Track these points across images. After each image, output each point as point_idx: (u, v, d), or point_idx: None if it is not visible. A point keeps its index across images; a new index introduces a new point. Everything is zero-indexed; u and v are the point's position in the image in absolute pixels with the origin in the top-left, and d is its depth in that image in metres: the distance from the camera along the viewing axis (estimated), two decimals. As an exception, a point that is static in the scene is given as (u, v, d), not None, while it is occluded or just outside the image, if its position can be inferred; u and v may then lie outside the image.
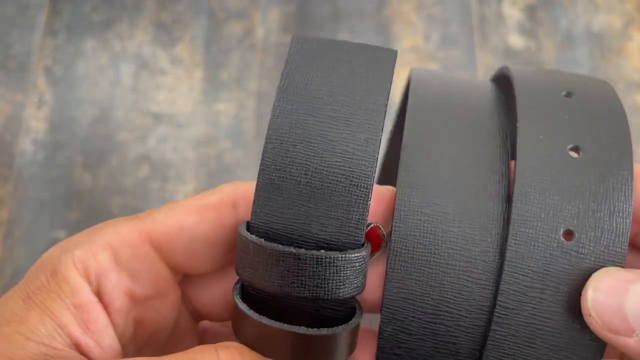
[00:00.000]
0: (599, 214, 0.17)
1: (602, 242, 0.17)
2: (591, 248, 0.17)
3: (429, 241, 0.18)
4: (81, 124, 0.50)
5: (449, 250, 0.18)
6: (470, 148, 0.19)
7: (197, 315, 0.24)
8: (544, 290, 0.17)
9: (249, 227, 0.18)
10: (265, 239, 0.18)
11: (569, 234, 0.17)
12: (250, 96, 0.52)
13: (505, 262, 0.17)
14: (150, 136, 0.50)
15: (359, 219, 0.17)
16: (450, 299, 0.18)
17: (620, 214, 0.17)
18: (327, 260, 0.17)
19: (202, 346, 0.18)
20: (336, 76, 0.19)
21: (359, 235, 0.17)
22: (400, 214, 0.18)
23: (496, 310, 0.17)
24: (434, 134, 0.19)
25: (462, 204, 0.18)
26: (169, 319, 0.22)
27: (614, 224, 0.17)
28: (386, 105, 0.18)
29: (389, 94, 0.18)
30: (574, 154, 0.18)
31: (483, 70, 0.54)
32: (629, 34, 0.56)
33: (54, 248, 0.20)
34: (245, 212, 0.20)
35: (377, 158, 0.18)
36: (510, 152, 0.19)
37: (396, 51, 0.20)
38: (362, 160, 0.17)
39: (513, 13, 0.56)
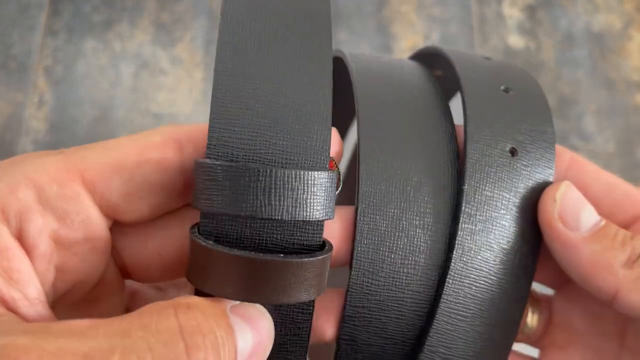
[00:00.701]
0: (535, 136, 0.21)
1: (537, 160, 0.21)
2: (530, 164, 0.21)
3: (394, 195, 0.20)
4: (81, 123, 0.50)
5: (410, 203, 0.20)
6: (422, 129, 0.21)
7: (124, 272, 0.21)
8: (496, 198, 0.20)
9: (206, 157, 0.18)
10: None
11: (513, 151, 0.21)
12: (251, 96, 0.52)
13: (465, 175, 0.20)
14: (150, 136, 0.50)
15: (323, 142, 0.17)
16: (416, 246, 0.20)
17: (548, 141, 0.21)
18: (304, 177, 0.17)
19: (156, 304, 0.16)
20: (277, 19, 0.18)
21: (325, 158, 0.18)
22: (365, 167, 0.20)
23: (460, 217, 0.20)
24: (388, 123, 0.21)
25: (417, 155, 0.20)
26: (95, 269, 0.19)
27: (544, 147, 0.21)
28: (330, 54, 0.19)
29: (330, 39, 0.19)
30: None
31: (483, 70, 0.54)
32: (628, 34, 0.56)
33: None
34: (190, 154, 0.19)
35: (331, 91, 0.18)
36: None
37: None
38: (317, 95, 0.18)
39: (513, 13, 0.56)
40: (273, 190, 0.17)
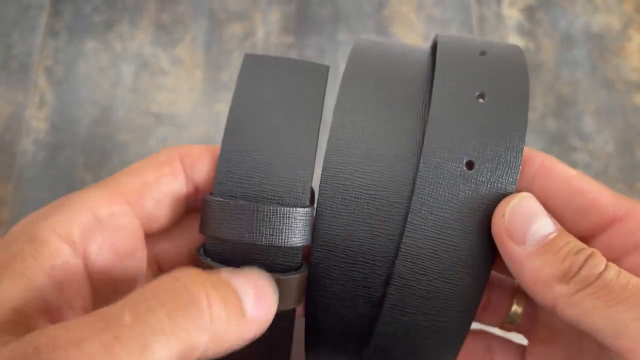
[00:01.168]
0: (496, 149, 0.20)
1: (497, 172, 0.20)
2: (488, 176, 0.20)
3: (349, 201, 0.21)
4: (82, 124, 0.50)
5: (367, 203, 0.21)
6: (393, 115, 0.22)
7: (158, 272, 0.26)
8: (447, 210, 0.20)
9: (212, 193, 0.22)
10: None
11: (470, 165, 0.20)
12: (251, 96, 0.52)
13: (415, 188, 0.20)
14: (151, 136, 0.50)
15: (304, 184, 0.21)
16: (365, 248, 0.21)
17: (514, 150, 0.20)
18: (282, 212, 0.21)
19: (188, 272, 0.19)
20: (280, 87, 0.23)
21: (305, 197, 0.22)
22: (326, 174, 0.22)
23: (406, 228, 0.20)
24: (361, 104, 0.22)
25: (379, 162, 0.21)
26: (135, 276, 0.23)
27: (509, 157, 0.20)
28: (321, 108, 0.23)
29: (322, 99, 0.23)
30: (480, 100, 0.21)
31: (482, 71, 0.54)
32: (628, 35, 0.56)
33: (25, 220, 0.20)
34: (190, 166, 0.24)
35: (317, 143, 0.22)
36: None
37: (327, 67, 0.24)
38: (304, 145, 0.22)
39: (512, 13, 0.57)
40: (255, 222, 0.21)
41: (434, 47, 0.25)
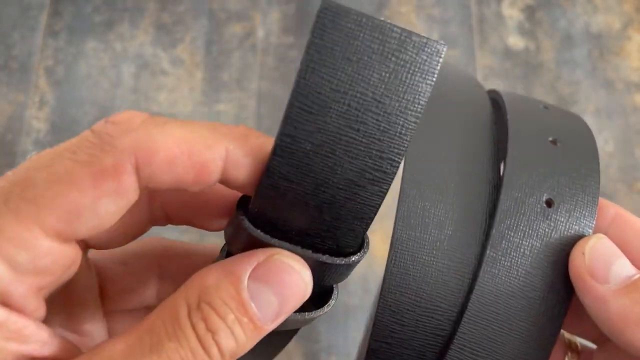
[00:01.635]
0: (574, 190, 0.21)
1: (575, 213, 0.21)
2: (567, 216, 0.21)
3: (427, 242, 0.20)
4: (82, 124, 0.50)
5: (442, 251, 0.20)
6: (468, 156, 0.22)
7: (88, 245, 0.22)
8: (526, 246, 0.20)
9: (249, 217, 0.18)
10: (270, 234, 0.18)
11: (549, 203, 0.20)
12: (251, 97, 0.52)
13: (495, 221, 0.20)
14: (151, 136, 0.50)
15: (362, 231, 0.19)
16: (442, 293, 0.20)
17: (591, 194, 0.21)
18: (333, 266, 0.19)
19: (171, 302, 0.17)
20: (368, 81, 0.17)
21: (358, 244, 0.19)
22: (403, 214, 0.20)
23: (484, 261, 0.20)
24: (432, 166, 0.21)
25: (456, 205, 0.21)
26: (69, 276, 0.20)
27: (586, 200, 0.21)
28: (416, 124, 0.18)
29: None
30: (553, 145, 0.22)
31: (483, 71, 0.54)
32: (627, 35, 0.56)
33: None
34: (149, 176, 0.17)
35: (388, 189, 0.18)
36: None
37: (443, 47, 0.18)
38: (373, 188, 0.18)
39: (512, 13, 0.57)
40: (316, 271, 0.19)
41: (491, 97, 0.25)
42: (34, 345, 0.18)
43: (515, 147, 0.21)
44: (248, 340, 0.17)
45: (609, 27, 0.56)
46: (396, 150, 0.17)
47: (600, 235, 0.21)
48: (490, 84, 0.54)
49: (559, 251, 0.20)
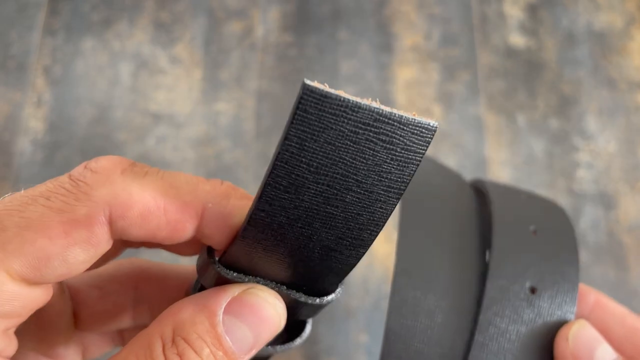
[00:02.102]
0: (555, 277, 0.22)
1: (557, 299, 0.22)
2: (549, 302, 0.22)
3: (418, 330, 0.21)
4: (80, 123, 0.50)
5: (433, 338, 0.22)
6: (455, 247, 0.23)
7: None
8: (512, 332, 0.21)
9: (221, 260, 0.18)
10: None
11: (533, 290, 0.22)
12: (250, 96, 0.52)
13: (482, 307, 0.21)
14: (149, 136, 0.50)
15: (338, 281, 0.19)
16: None
17: (571, 282, 0.22)
18: (307, 304, 0.19)
19: (145, 337, 0.17)
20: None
21: (334, 289, 0.19)
22: (396, 303, 0.21)
23: (472, 346, 0.21)
24: (424, 257, 0.23)
25: (445, 293, 0.22)
26: (51, 304, 0.20)
27: (566, 287, 0.22)
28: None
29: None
30: (534, 235, 0.23)
31: (484, 70, 0.54)
32: (630, 33, 0.55)
33: None
34: (122, 230, 0.17)
35: (366, 252, 0.18)
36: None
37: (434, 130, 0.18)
38: (350, 252, 0.17)
39: (514, 12, 0.56)
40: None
41: (474, 186, 0.27)
42: None
43: (499, 238, 0.22)
44: None
45: (612, 26, 0.56)
46: (376, 224, 0.16)
47: (583, 321, 0.22)
48: (492, 83, 0.54)
49: (544, 336, 0.22)
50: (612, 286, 0.48)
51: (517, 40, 0.55)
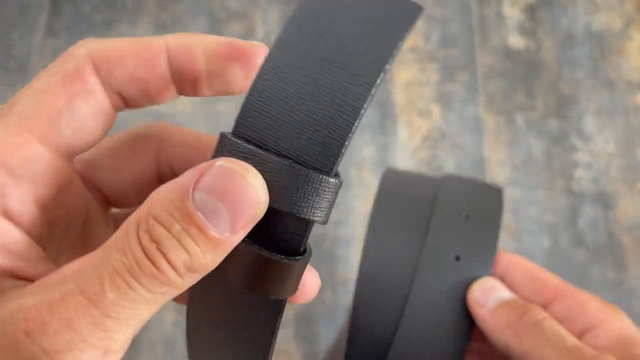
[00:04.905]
0: (477, 250, 0.30)
1: (476, 264, 0.29)
2: (470, 267, 0.29)
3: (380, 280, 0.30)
4: (81, 124, 0.50)
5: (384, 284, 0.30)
6: (412, 231, 0.31)
7: (106, 203, 0.23)
8: (440, 290, 0.29)
9: (234, 131, 0.18)
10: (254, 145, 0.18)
11: (458, 258, 0.29)
12: (251, 96, 0.52)
13: (417, 271, 0.29)
14: (150, 136, 0.50)
15: (336, 151, 0.18)
16: (381, 311, 0.29)
17: (490, 252, 0.30)
18: (312, 176, 0.18)
19: (125, 225, 0.17)
20: (347, 22, 0.20)
21: (334, 165, 0.18)
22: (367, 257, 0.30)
23: (409, 298, 0.29)
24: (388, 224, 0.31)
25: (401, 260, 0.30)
26: (77, 210, 0.21)
27: (486, 256, 0.30)
28: (389, 63, 0.20)
29: (396, 52, 0.20)
30: (467, 219, 0.31)
31: (483, 70, 0.54)
32: (629, 34, 0.56)
33: None
34: (108, 73, 0.19)
35: (364, 112, 0.18)
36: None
37: (420, 9, 0.21)
38: (348, 111, 0.18)
39: (513, 13, 0.56)
40: (285, 183, 0.18)
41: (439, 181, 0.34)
42: (19, 262, 0.18)
43: (437, 220, 0.30)
44: (205, 253, 0.17)
45: (610, 27, 0.56)
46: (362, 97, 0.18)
47: (486, 277, 0.29)
48: (491, 84, 0.54)
49: (463, 291, 0.29)
50: (611, 286, 0.48)
51: (516, 40, 0.55)
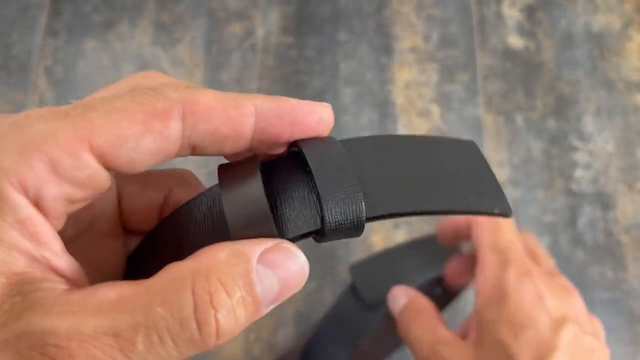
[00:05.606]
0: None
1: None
2: None
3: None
4: (82, 124, 0.50)
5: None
6: None
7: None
8: None
9: None
10: None
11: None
12: (251, 96, 0.52)
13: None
14: (150, 136, 0.50)
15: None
16: None
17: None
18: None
19: (177, 271, 0.17)
20: None
21: None
22: None
23: None
24: None
25: None
26: (104, 215, 0.22)
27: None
28: None
29: None
30: None
31: (482, 71, 0.54)
32: (628, 34, 0.56)
33: None
34: (192, 126, 0.20)
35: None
36: None
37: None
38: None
39: (512, 13, 0.56)
40: None
41: None
42: (46, 253, 0.18)
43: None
44: (245, 322, 0.18)
45: (610, 27, 0.56)
46: None
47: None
48: (490, 84, 0.54)
49: None
50: (610, 285, 0.48)
51: (516, 41, 0.55)
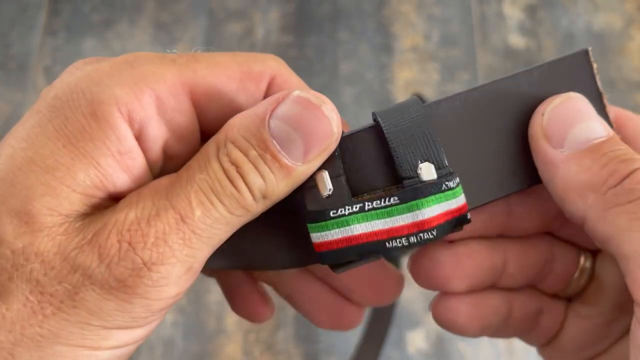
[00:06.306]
0: None
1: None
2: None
3: None
4: (81, 123, 0.50)
5: None
6: None
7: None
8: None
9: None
10: None
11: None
12: (250, 96, 0.52)
13: None
14: (150, 136, 0.50)
15: None
16: None
17: None
18: None
19: (207, 145, 0.18)
20: None
21: None
22: None
23: None
24: None
25: None
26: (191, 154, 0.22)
27: None
28: None
29: None
30: None
31: (484, 70, 0.54)
32: (629, 34, 0.56)
33: (84, 78, 0.18)
34: (274, 90, 0.21)
35: None
36: None
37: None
38: None
39: (513, 13, 0.56)
40: None
41: None
42: (135, 187, 0.19)
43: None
44: (278, 180, 0.18)
45: (611, 27, 0.56)
46: None
47: (572, 93, 0.19)
48: (491, 84, 0.54)
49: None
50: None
51: (517, 40, 0.55)
